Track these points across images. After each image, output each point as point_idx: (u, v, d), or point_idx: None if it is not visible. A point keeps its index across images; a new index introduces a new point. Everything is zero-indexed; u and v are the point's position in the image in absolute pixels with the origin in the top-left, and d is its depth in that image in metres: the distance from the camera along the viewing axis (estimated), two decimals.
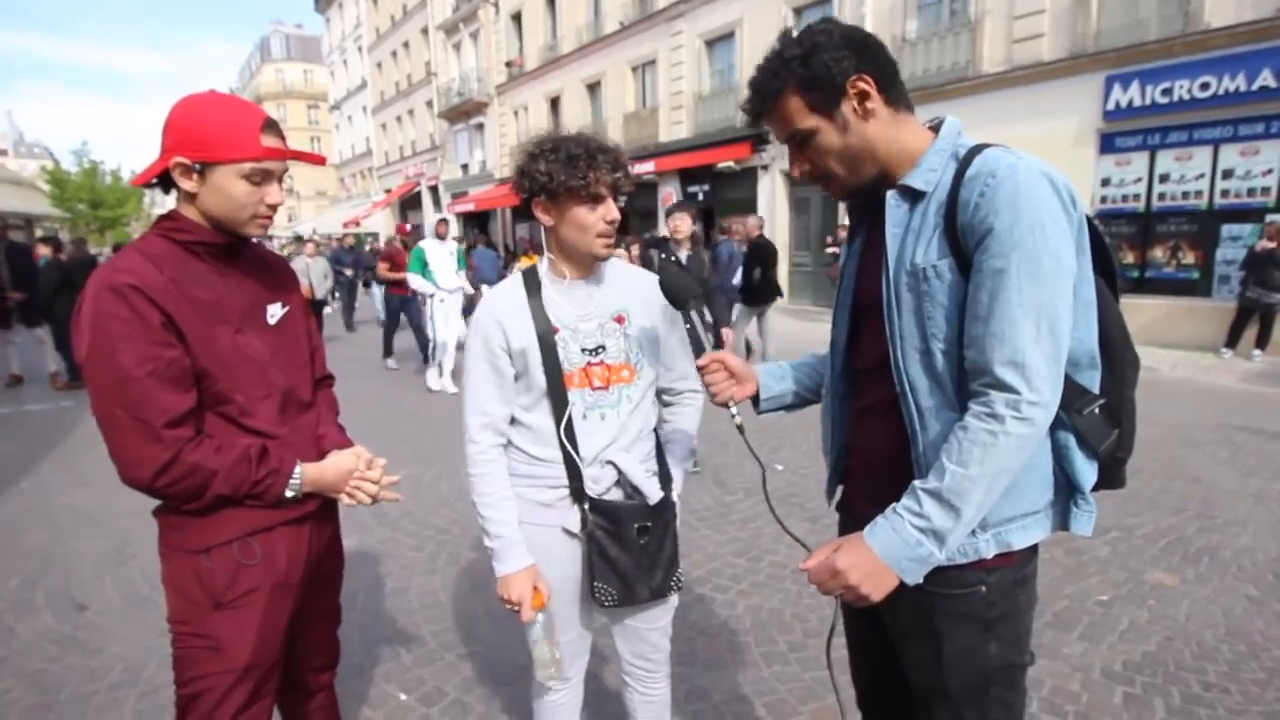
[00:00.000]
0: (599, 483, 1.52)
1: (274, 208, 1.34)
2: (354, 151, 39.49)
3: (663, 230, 12.94)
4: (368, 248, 19.40)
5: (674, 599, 1.67)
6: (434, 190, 29.11)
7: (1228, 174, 8.93)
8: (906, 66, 11.42)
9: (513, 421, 1.54)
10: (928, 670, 1.18)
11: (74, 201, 34.96)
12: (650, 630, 1.67)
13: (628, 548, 1.51)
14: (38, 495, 4.55)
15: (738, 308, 7.27)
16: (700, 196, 16.57)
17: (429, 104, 28.51)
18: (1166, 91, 9.07)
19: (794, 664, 2.55)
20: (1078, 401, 1.07)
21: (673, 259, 4.59)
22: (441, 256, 7.48)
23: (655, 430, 1.65)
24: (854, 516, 1.27)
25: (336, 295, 14.22)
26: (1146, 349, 8.51)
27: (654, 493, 1.53)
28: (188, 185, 1.27)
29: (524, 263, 8.10)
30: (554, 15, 21.20)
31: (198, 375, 1.28)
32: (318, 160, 1.56)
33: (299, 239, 14.77)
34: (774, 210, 14.68)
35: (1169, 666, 2.51)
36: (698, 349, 1.39)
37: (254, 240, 1.43)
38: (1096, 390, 1.10)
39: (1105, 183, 9.92)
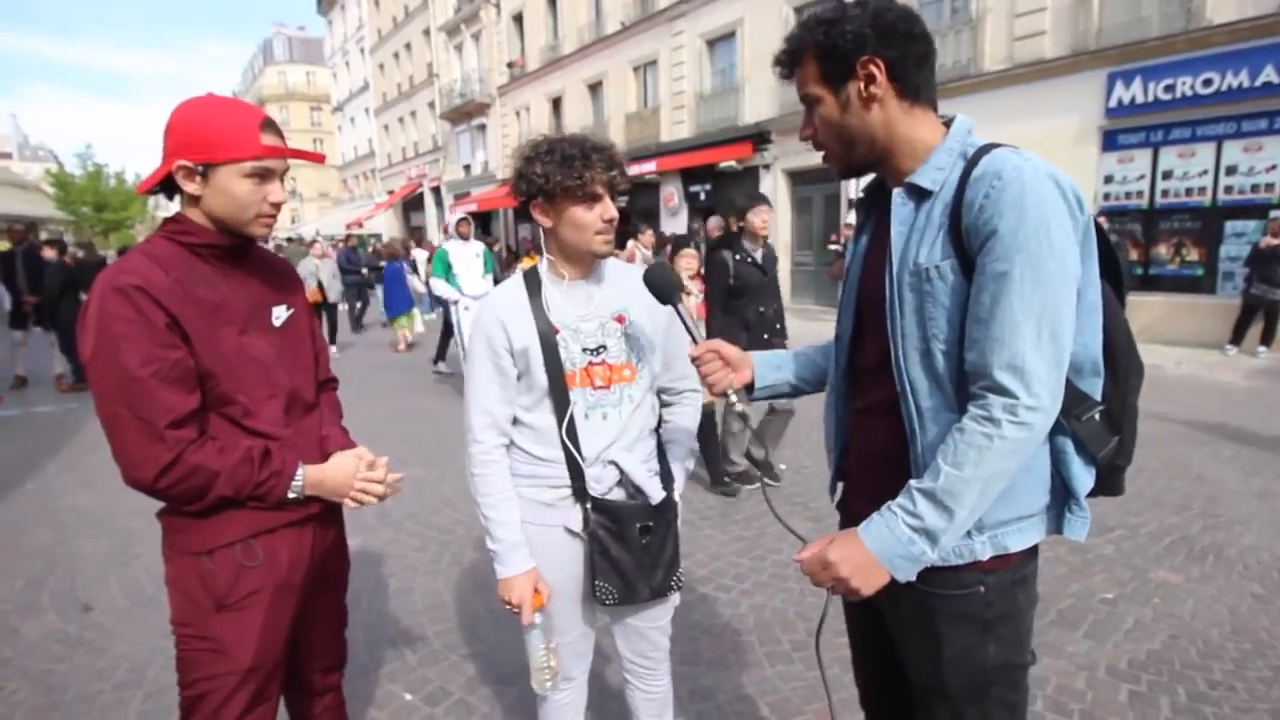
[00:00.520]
0: (601, 482, 1.52)
1: (277, 206, 1.34)
2: (356, 153, 39.57)
3: (660, 228, 12.86)
4: (370, 248, 19.40)
5: (675, 598, 1.68)
6: (436, 191, 29.15)
7: (1231, 170, 8.90)
8: None
9: (515, 421, 1.54)
10: (928, 670, 1.18)
11: (78, 204, 35.06)
12: (650, 629, 1.68)
13: (629, 547, 1.51)
14: (43, 496, 4.57)
15: None
16: (702, 196, 16.56)
17: (431, 105, 28.56)
18: (1169, 88, 9.05)
19: (798, 663, 2.55)
20: (1078, 407, 1.06)
21: (749, 260, 4.06)
22: (467, 259, 6.77)
23: (656, 430, 1.65)
24: (852, 515, 1.26)
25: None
26: (1150, 346, 8.54)
27: (656, 493, 1.53)
28: (191, 188, 1.28)
29: (526, 263, 8.09)
30: (555, 16, 21.21)
31: (202, 376, 1.28)
32: (317, 158, 1.57)
33: (293, 240, 14.71)
34: (776, 209, 14.66)
35: (1174, 665, 2.50)
36: (693, 339, 1.39)
37: (258, 243, 1.43)
38: (1098, 396, 1.08)
39: (1108, 180, 9.89)
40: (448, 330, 8.45)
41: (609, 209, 1.46)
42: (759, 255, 4.11)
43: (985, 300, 0.99)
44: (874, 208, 1.25)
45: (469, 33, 25.48)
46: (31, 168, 62.32)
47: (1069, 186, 1.00)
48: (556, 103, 21.66)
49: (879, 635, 1.28)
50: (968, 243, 1.01)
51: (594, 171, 1.41)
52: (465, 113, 25.74)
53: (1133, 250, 9.73)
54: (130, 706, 2.39)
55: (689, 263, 4.40)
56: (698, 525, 3.84)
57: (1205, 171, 9.08)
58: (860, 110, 1.10)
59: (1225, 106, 8.73)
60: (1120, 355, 1.10)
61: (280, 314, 1.45)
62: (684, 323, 1.42)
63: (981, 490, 0.99)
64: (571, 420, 1.49)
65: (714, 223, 8.33)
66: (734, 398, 1.35)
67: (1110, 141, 9.79)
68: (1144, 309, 9.22)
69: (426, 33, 28.24)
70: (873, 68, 1.07)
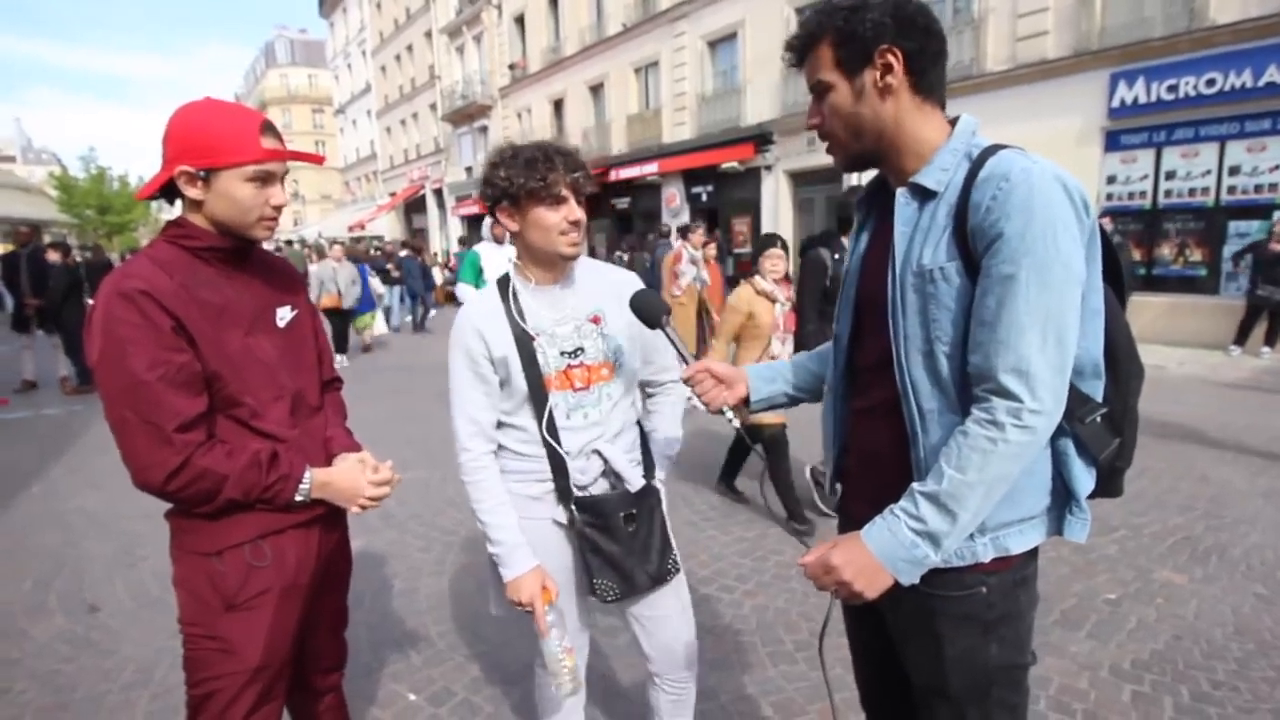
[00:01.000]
0: (586, 474, 1.56)
1: (279, 209, 1.35)
2: (359, 155, 39.66)
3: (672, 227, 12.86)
4: (382, 251, 19.43)
5: (680, 585, 1.69)
6: (438, 193, 29.20)
7: (1234, 170, 8.88)
8: None
9: (499, 425, 1.57)
10: (929, 671, 1.19)
11: (82, 207, 35.15)
12: (666, 618, 1.67)
13: (617, 537, 1.54)
14: (49, 499, 4.59)
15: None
16: (704, 197, 16.58)
17: (433, 107, 28.61)
18: (1172, 88, 9.04)
19: (800, 663, 2.56)
20: (1080, 410, 1.06)
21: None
22: (500, 264, 6.39)
23: (639, 422, 1.70)
24: (852, 517, 1.26)
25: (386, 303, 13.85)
26: (1153, 346, 8.54)
27: (636, 480, 1.58)
28: (193, 193, 1.28)
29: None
30: (556, 17, 21.25)
31: (208, 379, 1.29)
32: (316, 160, 1.59)
33: (291, 243, 14.50)
34: (778, 210, 14.69)
35: (1178, 665, 2.50)
36: (684, 360, 1.40)
37: (260, 245, 1.44)
38: (1100, 399, 1.09)
39: (1111, 180, 9.88)
40: None
41: (574, 211, 1.48)
42: None
43: (990, 303, 0.98)
44: (874, 207, 1.25)
45: (470, 34, 25.54)
46: (35, 171, 62.52)
47: (1076, 190, 0.99)
48: (558, 104, 21.70)
49: (879, 637, 1.29)
50: (973, 245, 1.01)
51: (557, 173, 1.43)
52: (467, 114, 25.80)
53: (1135, 250, 9.72)
54: (137, 707, 2.40)
55: (775, 264, 3.76)
56: (700, 526, 3.84)
57: (1208, 172, 9.07)
58: (874, 100, 1.09)
59: (1229, 107, 8.73)
60: (1122, 358, 1.10)
61: (284, 315, 1.46)
62: (674, 345, 1.42)
63: (985, 493, 0.99)
64: (553, 421, 1.52)
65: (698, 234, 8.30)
66: (729, 414, 1.36)
67: (1113, 142, 9.79)
68: (1147, 309, 9.21)
69: (428, 35, 28.31)
70: (890, 57, 1.06)
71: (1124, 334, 1.12)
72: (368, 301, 10.57)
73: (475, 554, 3.56)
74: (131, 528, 3.92)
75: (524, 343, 1.50)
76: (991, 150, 1.05)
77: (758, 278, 3.74)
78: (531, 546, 1.54)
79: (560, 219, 1.47)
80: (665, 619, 1.68)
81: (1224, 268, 9.15)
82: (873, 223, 1.26)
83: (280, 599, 1.39)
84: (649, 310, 1.44)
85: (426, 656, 2.68)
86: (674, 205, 17.26)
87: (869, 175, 1.26)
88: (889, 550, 1.03)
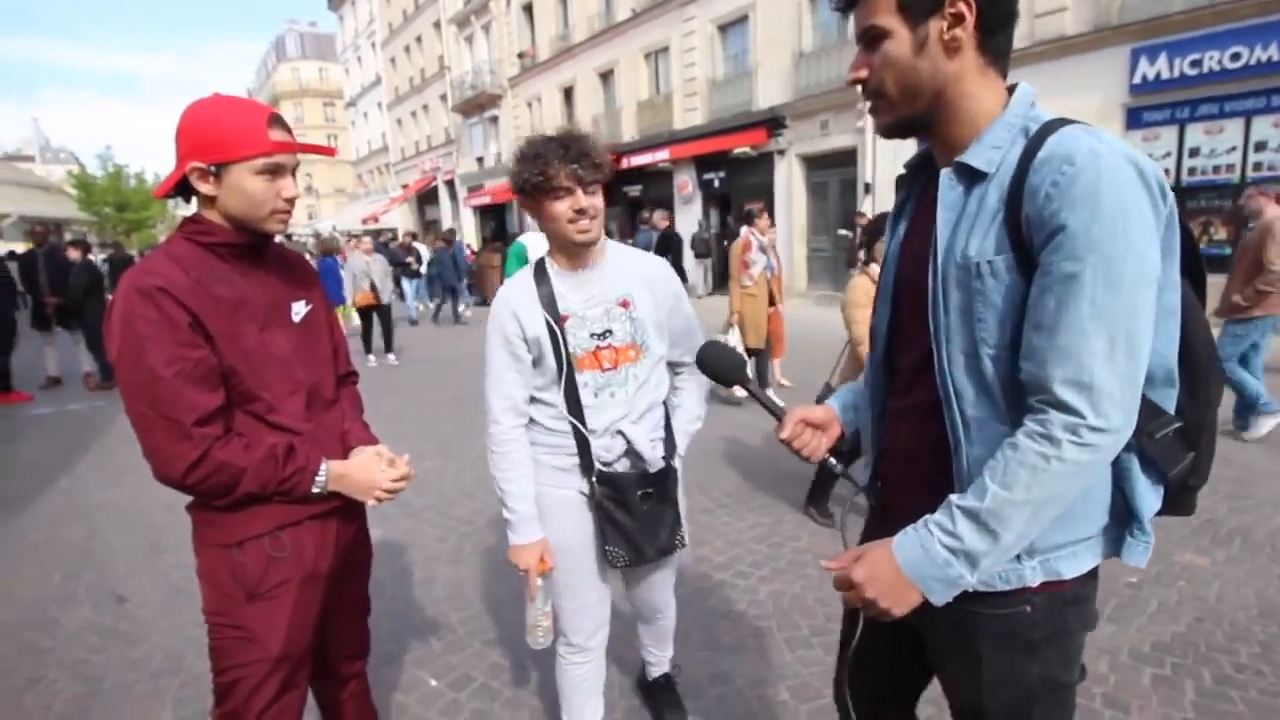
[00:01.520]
0: (610, 452, 1.67)
1: (291, 201, 1.36)
2: (370, 148, 39.78)
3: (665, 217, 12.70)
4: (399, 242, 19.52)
5: (681, 560, 1.95)
6: (450, 184, 29.25)
7: (1260, 146, 8.67)
8: None
9: (532, 400, 1.68)
10: (966, 691, 1.10)
11: (100, 205, 35.67)
12: (654, 581, 1.95)
13: (633, 512, 1.68)
14: (76, 493, 4.69)
15: None
16: (716, 183, 16.46)
17: (443, 98, 28.60)
18: (1195, 63, 8.81)
19: (817, 648, 2.56)
20: (1151, 424, 0.94)
21: None
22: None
23: (665, 402, 1.81)
24: (887, 524, 1.12)
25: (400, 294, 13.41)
26: None
27: (656, 461, 1.70)
28: (206, 188, 1.30)
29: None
30: (565, 4, 21.10)
31: (225, 374, 1.31)
32: (326, 152, 1.63)
33: (291, 237, 14.21)
34: (791, 195, 14.55)
35: (1199, 648, 2.48)
36: (775, 417, 1.23)
37: (276, 239, 1.46)
38: (1171, 410, 0.97)
39: None
40: None
41: (579, 200, 1.54)
42: None
43: (1049, 304, 0.86)
44: (916, 185, 1.14)
45: (479, 24, 25.44)
46: (54, 170, 63.42)
47: (1152, 173, 0.86)
48: (568, 92, 21.60)
49: (884, 651, 1.22)
50: (1028, 235, 0.88)
51: (554, 166, 1.51)
52: (477, 105, 25.76)
53: None
54: (166, 695, 2.46)
55: None
56: (715, 513, 3.85)
57: (1234, 148, 8.86)
58: (937, 55, 0.95)
59: (1254, 81, 8.49)
60: (1200, 364, 0.98)
61: (299, 310, 1.47)
62: (761, 404, 1.28)
63: (1032, 515, 0.89)
64: (580, 400, 1.64)
65: (660, 214, 8.16)
66: (833, 463, 1.21)
67: (1135, 119, 9.57)
68: None
69: (437, 25, 28.24)
70: (963, 6, 0.93)
71: (1203, 337, 1.00)
72: (338, 296, 9.45)
73: (492, 543, 3.59)
74: (155, 520, 4.00)
75: (555, 324, 1.60)
76: (1053, 126, 0.92)
77: (874, 266, 3.30)
78: (559, 515, 1.70)
79: (566, 208, 1.54)
80: (653, 581, 1.94)
81: None
82: (913, 204, 1.14)
83: (300, 589, 1.41)
84: (724, 369, 1.32)
85: (447, 643, 2.71)
86: (686, 192, 17.16)
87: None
88: (919, 566, 0.94)
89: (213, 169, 1.28)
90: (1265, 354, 4.99)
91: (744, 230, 6.01)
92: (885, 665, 1.26)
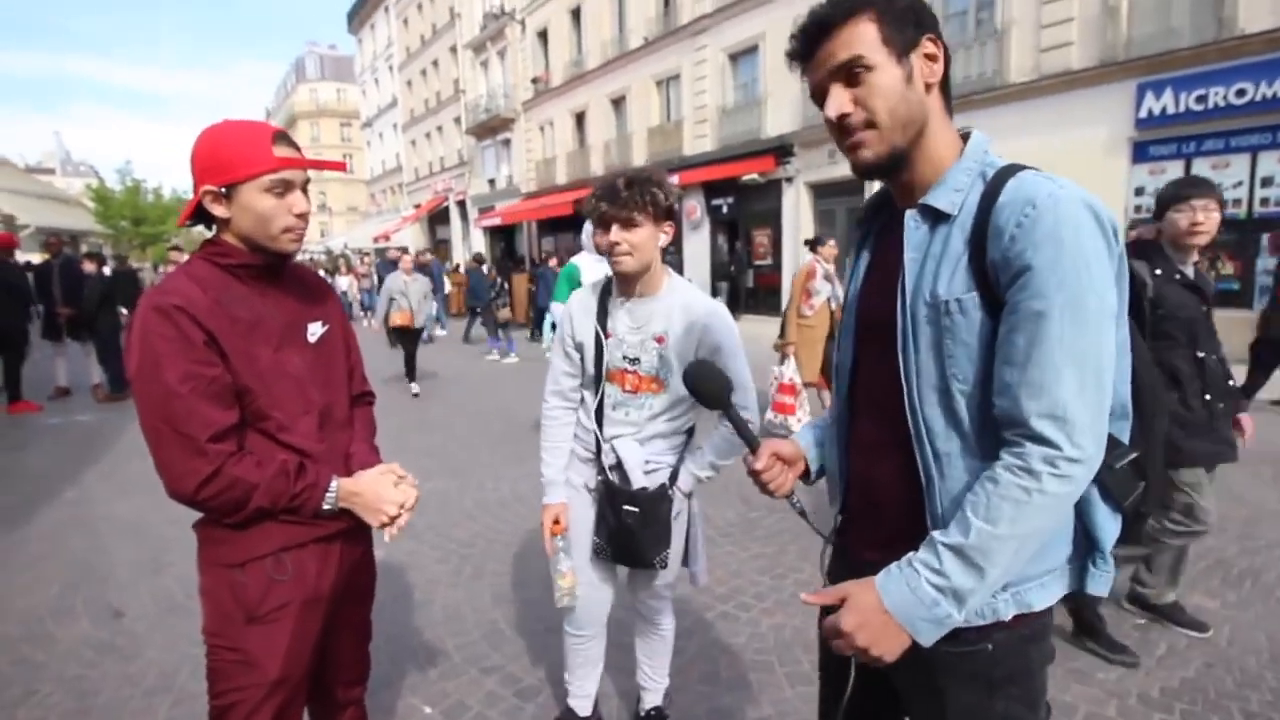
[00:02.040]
0: (608, 459, 1.91)
1: (302, 217, 1.37)
2: (384, 167, 40.33)
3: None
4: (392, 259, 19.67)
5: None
6: (461, 205, 29.57)
7: (1267, 182, 8.70)
8: None
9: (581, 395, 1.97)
10: None
11: (117, 218, 36.22)
12: (652, 596, 2.09)
13: (617, 519, 1.87)
14: (81, 504, 4.69)
15: None
16: (724, 209, 16.60)
17: (457, 120, 29.04)
18: (1201, 99, 8.89)
19: (819, 684, 2.51)
20: (1110, 455, 0.97)
21: (1176, 276, 2.35)
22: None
23: (686, 434, 1.96)
24: (852, 561, 1.15)
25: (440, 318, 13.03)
26: None
27: (639, 481, 1.85)
28: (219, 211, 1.32)
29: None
30: (579, 32, 21.49)
31: (239, 392, 1.32)
32: (335, 167, 1.62)
33: (325, 254, 13.96)
34: (798, 222, 14.64)
35: (1209, 693, 2.42)
36: (750, 447, 1.21)
37: (294, 260, 1.47)
38: (1127, 441, 1.01)
39: (1139, 192, 9.71)
40: None
41: (611, 234, 1.77)
42: (1189, 271, 2.44)
43: (1019, 342, 0.90)
44: (875, 224, 1.17)
45: (495, 50, 25.91)
46: (74, 183, 64.48)
47: (1106, 217, 0.92)
48: (580, 117, 21.90)
49: (865, 701, 1.20)
50: (994, 276, 0.93)
51: (590, 203, 1.79)
52: (490, 128, 26.13)
53: None
54: (158, 713, 2.44)
55: None
56: (718, 542, 3.82)
57: (1240, 183, 8.89)
58: (920, 90, 0.99)
59: (1260, 117, 8.56)
60: (1147, 397, 1.03)
61: (315, 330, 1.49)
62: (739, 432, 1.23)
63: (1017, 549, 0.91)
64: (601, 406, 1.90)
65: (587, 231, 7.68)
66: (794, 498, 1.22)
67: (1141, 153, 9.63)
68: None
69: (453, 50, 28.77)
70: (934, 46, 0.97)
71: (1149, 371, 1.05)
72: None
73: (492, 566, 3.57)
74: (159, 534, 4.00)
75: (599, 338, 1.87)
76: (1009, 171, 0.96)
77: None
78: (582, 494, 1.98)
79: (605, 242, 1.79)
80: (646, 583, 2.08)
81: (1258, 281, 8.94)
82: (871, 243, 1.17)
83: (300, 612, 1.40)
84: (706, 391, 1.26)
85: (442, 670, 2.68)
86: (694, 217, 17.30)
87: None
88: (907, 607, 0.93)
89: (224, 190, 1.30)
90: None
91: (808, 257, 5.70)
92: (870, 709, 1.25)
